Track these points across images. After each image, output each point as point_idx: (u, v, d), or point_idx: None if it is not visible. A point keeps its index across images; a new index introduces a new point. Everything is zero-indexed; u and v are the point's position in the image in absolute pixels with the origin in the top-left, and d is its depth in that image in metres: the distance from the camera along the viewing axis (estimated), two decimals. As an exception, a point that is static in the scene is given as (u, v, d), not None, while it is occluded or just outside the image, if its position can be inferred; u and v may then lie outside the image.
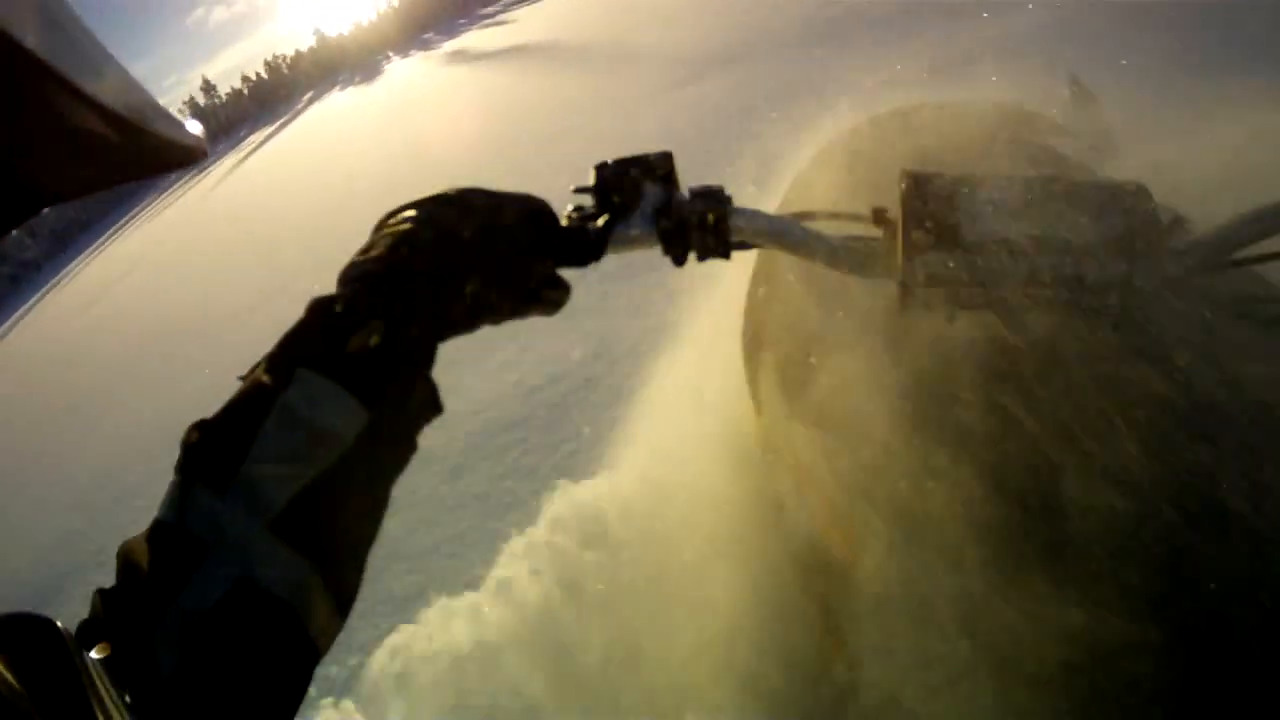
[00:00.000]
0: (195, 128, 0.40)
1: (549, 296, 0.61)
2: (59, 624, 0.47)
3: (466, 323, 0.55)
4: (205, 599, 0.45)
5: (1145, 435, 0.73)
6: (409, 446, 0.52)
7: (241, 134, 44.28)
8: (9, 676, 0.41)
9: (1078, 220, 0.66)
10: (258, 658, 0.45)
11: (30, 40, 0.28)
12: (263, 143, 31.42)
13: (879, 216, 0.71)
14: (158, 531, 0.48)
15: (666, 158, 0.68)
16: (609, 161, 0.67)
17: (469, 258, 0.54)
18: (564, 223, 0.65)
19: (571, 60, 10.51)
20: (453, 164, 8.83)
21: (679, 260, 0.68)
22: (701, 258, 0.69)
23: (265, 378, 0.49)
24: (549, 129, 8.40)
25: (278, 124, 34.88)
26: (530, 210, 0.61)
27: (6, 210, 0.36)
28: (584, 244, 0.63)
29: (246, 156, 29.64)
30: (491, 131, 9.66)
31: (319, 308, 0.51)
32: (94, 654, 0.47)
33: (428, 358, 0.52)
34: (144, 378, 7.73)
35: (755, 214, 0.70)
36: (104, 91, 0.32)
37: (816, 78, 3.92)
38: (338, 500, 0.48)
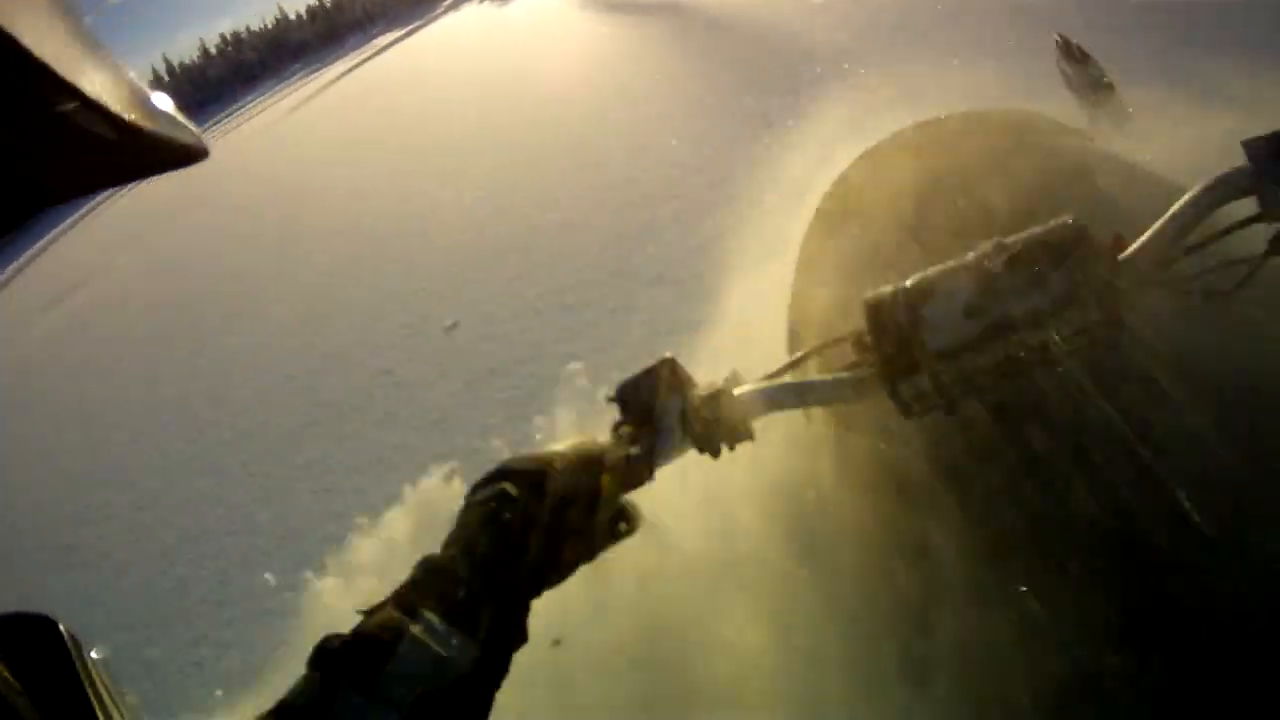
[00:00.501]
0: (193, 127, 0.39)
1: (622, 531, 0.71)
2: (60, 624, 0.47)
3: (559, 578, 0.68)
4: None
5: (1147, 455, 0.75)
6: (507, 668, 0.64)
7: (374, 31, 43.13)
8: (8, 676, 0.41)
9: (1027, 290, 0.69)
10: None
11: (29, 40, 0.28)
12: (392, 44, 30.41)
13: (859, 343, 0.76)
14: (297, 716, 0.57)
15: (669, 366, 0.74)
16: (624, 385, 0.74)
17: (550, 537, 0.66)
18: (613, 443, 0.73)
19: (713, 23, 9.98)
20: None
21: (715, 455, 0.74)
22: (731, 448, 0.74)
23: (395, 612, 0.61)
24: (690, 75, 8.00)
25: (409, 28, 34.26)
26: (587, 468, 0.70)
27: (6, 210, 0.36)
28: (637, 473, 0.71)
29: (375, 55, 28.83)
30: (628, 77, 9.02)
31: (435, 570, 0.64)
32: (94, 654, 0.47)
33: (525, 612, 0.65)
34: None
35: (759, 391, 0.76)
36: (104, 91, 0.32)
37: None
38: (452, 710, 0.59)
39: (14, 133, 0.32)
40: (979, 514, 0.85)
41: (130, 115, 0.34)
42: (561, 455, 0.70)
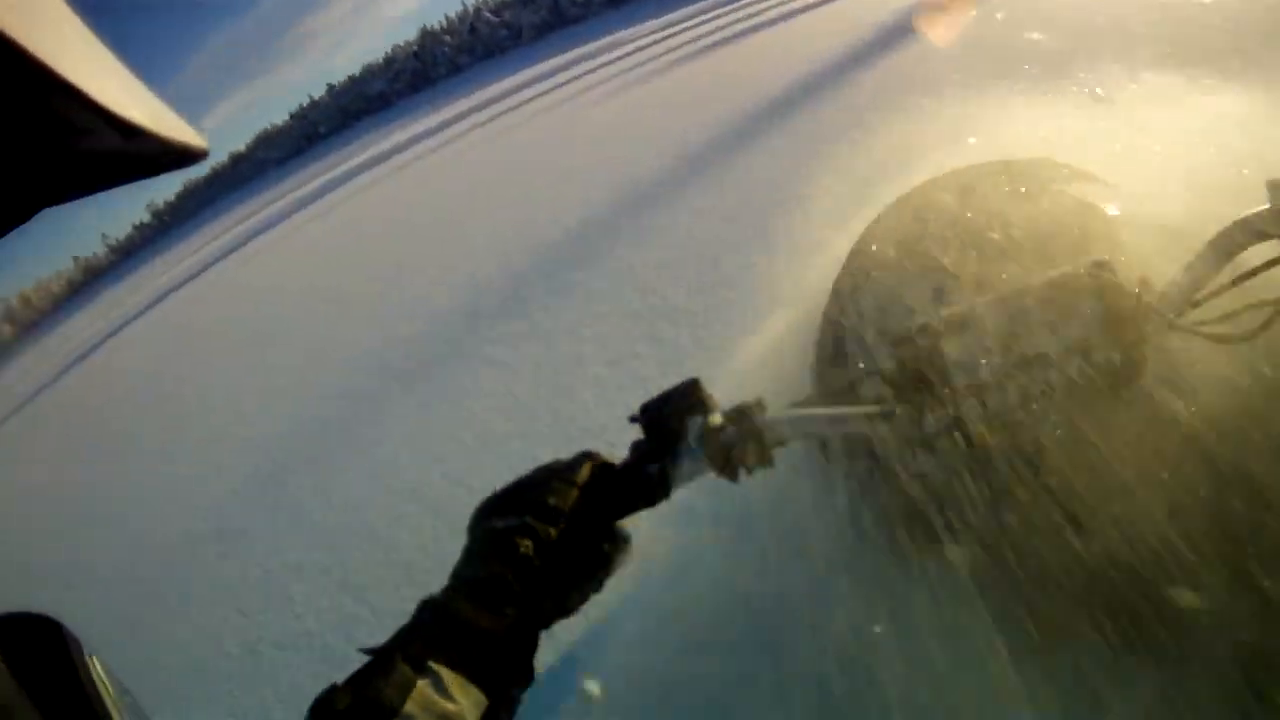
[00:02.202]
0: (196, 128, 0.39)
1: (618, 557, 0.69)
2: (62, 624, 0.47)
3: (561, 614, 0.66)
4: None
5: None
6: (514, 711, 0.63)
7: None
8: (9, 676, 0.41)
9: (1052, 329, 0.71)
10: None
11: (29, 41, 0.28)
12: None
13: (888, 377, 0.76)
14: None
15: (694, 387, 0.73)
16: (647, 405, 0.74)
17: (549, 577, 0.65)
18: (628, 456, 0.73)
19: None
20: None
21: (733, 479, 0.73)
22: (749, 473, 0.74)
23: (403, 667, 0.58)
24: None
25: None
26: (591, 487, 0.69)
27: (6, 210, 0.36)
28: (651, 488, 0.70)
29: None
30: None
31: (442, 615, 0.62)
32: (94, 655, 0.47)
33: (532, 652, 0.64)
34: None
35: (784, 419, 0.75)
36: (104, 92, 0.32)
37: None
38: None
39: (14, 133, 0.32)
40: (985, 552, 0.86)
41: (130, 115, 0.34)
42: (575, 482, 0.68)
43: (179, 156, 0.38)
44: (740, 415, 0.73)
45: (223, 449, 5.17)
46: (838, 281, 1.17)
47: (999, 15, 5.48)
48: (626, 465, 0.73)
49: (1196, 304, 0.74)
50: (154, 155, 0.37)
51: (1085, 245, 0.95)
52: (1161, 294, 0.73)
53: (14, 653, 0.42)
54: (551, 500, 0.65)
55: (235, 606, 3.26)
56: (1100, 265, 0.73)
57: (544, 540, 0.64)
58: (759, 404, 0.75)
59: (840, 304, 1.14)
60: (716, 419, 0.73)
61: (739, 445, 0.72)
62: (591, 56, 17.33)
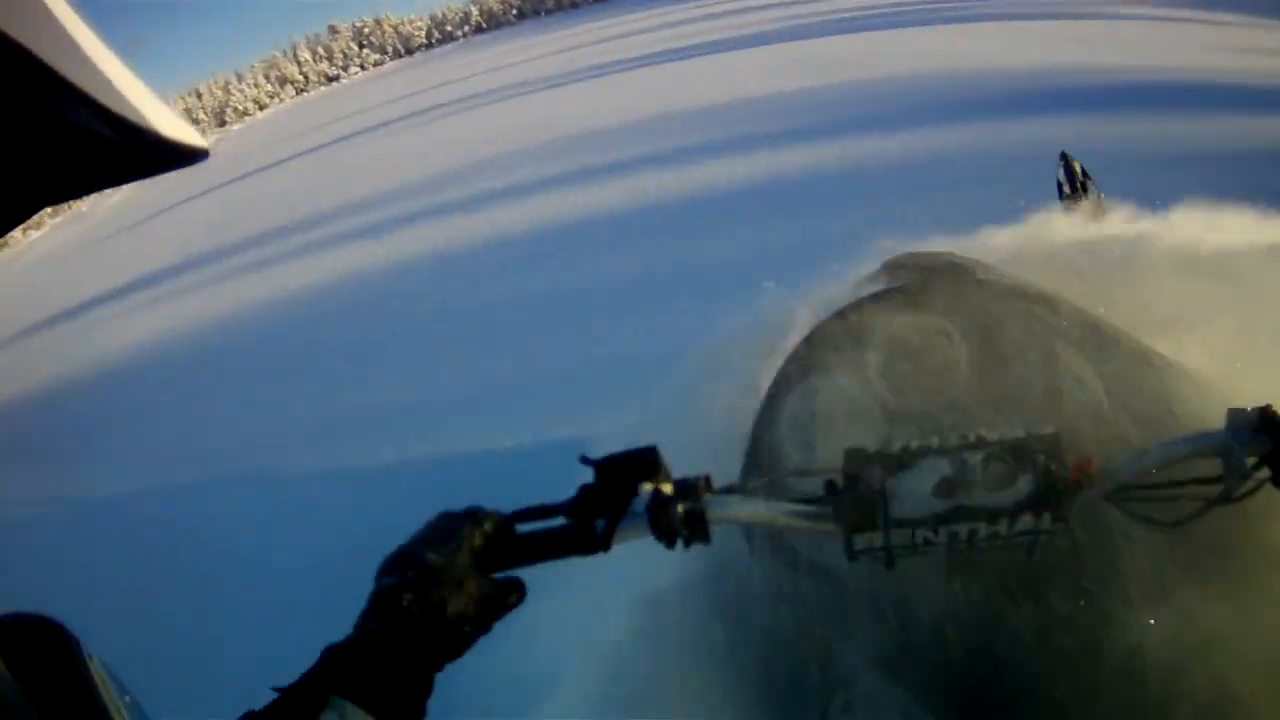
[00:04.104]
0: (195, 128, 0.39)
1: (512, 602, 0.75)
2: (62, 625, 0.47)
3: (456, 654, 0.72)
4: None
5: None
6: None
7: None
8: (10, 678, 0.41)
9: (993, 488, 0.79)
10: None
11: (30, 40, 0.28)
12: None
13: (831, 489, 0.83)
14: None
15: (652, 454, 0.80)
16: (606, 459, 0.81)
17: (450, 634, 0.72)
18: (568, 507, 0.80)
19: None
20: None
21: (669, 545, 0.80)
22: (687, 545, 0.81)
23: (308, 699, 0.63)
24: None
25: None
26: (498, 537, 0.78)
27: (7, 210, 0.36)
28: (594, 541, 0.78)
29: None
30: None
31: (341, 656, 0.68)
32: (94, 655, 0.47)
33: (429, 689, 0.70)
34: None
35: (728, 501, 0.83)
36: (104, 91, 0.32)
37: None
38: None
39: (14, 133, 0.32)
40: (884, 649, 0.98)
41: (130, 115, 0.34)
42: (463, 541, 0.75)
43: (179, 156, 0.38)
44: (688, 490, 0.80)
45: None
46: (783, 370, 1.19)
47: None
48: (573, 508, 0.79)
49: (1130, 490, 0.82)
50: (154, 155, 0.37)
51: (1039, 395, 1.05)
52: (1104, 473, 0.80)
53: (14, 654, 0.42)
54: (434, 559, 0.73)
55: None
56: (1052, 436, 0.80)
57: (429, 598, 0.71)
58: (707, 482, 0.82)
59: (783, 393, 1.18)
60: (668, 489, 0.80)
61: (682, 519, 0.79)
62: None
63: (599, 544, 0.79)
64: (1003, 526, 0.78)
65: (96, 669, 0.47)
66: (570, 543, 0.79)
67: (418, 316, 6.20)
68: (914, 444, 0.83)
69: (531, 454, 3.48)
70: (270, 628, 2.68)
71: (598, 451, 0.83)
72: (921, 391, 1.10)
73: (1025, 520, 0.78)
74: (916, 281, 1.27)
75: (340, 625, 0.71)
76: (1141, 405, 1.00)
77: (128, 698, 0.49)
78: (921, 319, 1.14)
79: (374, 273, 7.76)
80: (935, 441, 0.83)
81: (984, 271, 1.31)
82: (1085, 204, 1.86)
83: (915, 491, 0.80)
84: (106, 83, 0.33)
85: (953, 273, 1.31)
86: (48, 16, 0.30)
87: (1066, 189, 1.92)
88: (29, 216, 0.37)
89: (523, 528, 0.80)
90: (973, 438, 0.82)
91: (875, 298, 1.19)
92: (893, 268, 1.44)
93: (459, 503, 0.82)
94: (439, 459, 3.89)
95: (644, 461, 0.81)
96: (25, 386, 7.91)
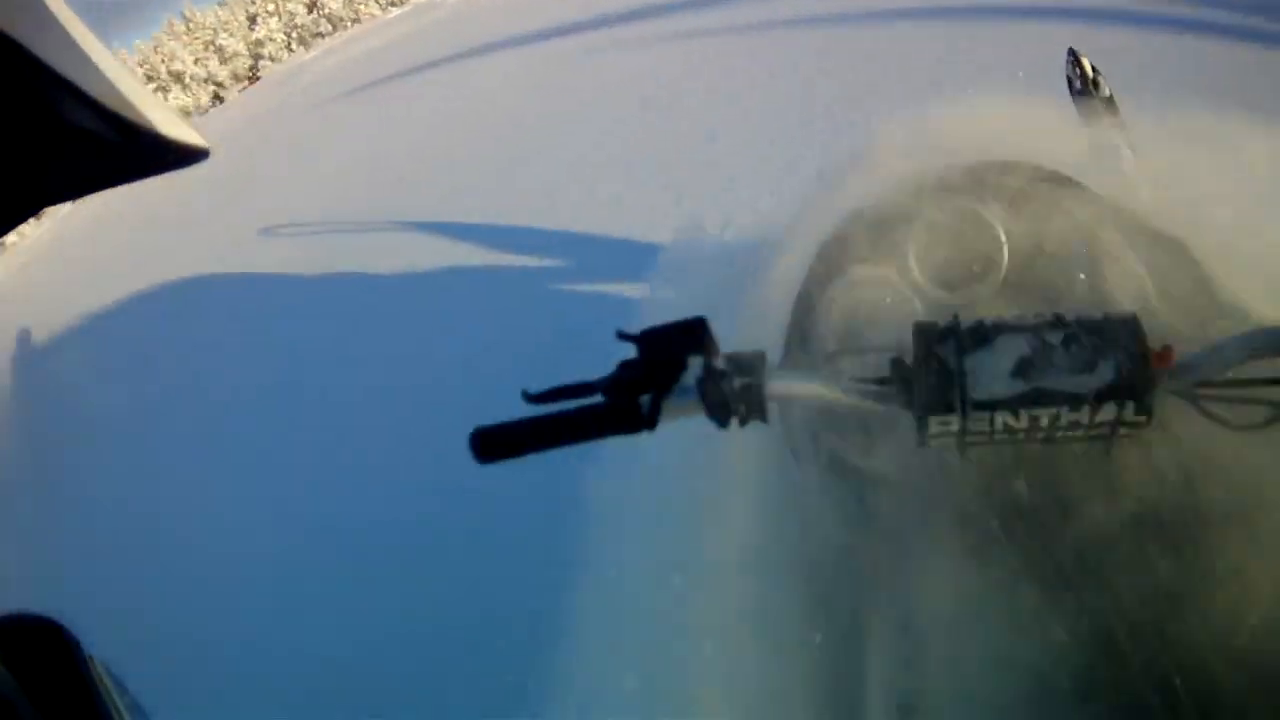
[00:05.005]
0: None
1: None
2: (62, 626, 0.47)
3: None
4: None
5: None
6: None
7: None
8: (10, 677, 0.41)
9: (1075, 370, 0.73)
10: None
11: (30, 41, 0.28)
12: None
13: (898, 367, 0.76)
14: None
15: (701, 325, 0.73)
16: (651, 330, 0.74)
17: None
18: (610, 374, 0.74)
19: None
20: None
21: (722, 425, 0.74)
22: (742, 423, 0.74)
23: None
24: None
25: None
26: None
27: (6, 210, 0.36)
28: (639, 418, 0.71)
29: None
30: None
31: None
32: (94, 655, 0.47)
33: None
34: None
35: (788, 376, 0.76)
36: (104, 91, 0.32)
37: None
38: None
39: (14, 133, 0.32)
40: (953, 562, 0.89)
41: (130, 115, 0.34)
42: None
43: (179, 156, 0.38)
44: (743, 364, 0.74)
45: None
46: (827, 246, 1.12)
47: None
48: (613, 385, 0.73)
49: (1211, 385, 0.75)
50: (154, 155, 0.37)
51: (1083, 264, 0.98)
52: (1185, 365, 0.74)
53: (15, 654, 0.42)
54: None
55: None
56: (1134, 319, 0.74)
57: None
58: (760, 357, 0.75)
59: (829, 267, 1.11)
60: (720, 363, 0.73)
61: (738, 393, 0.73)
62: None
63: (644, 422, 0.71)
64: (1084, 415, 0.72)
65: (96, 669, 0.47)
66: (612, 421, 0.71)
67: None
68: (989, 319, 0.76)
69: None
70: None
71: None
72: (964, 279, 1.02)
73: (1108, 409, 0.72)
74: (948, 166, 1.18)
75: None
76: (1192, 299, 0.92)
77: (127, 697, 0.49)
78: (958, 202, 1.08)
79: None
80: (1008, 317, 0.76)
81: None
82: (1096, 101, 1.79)
83: (993, 371, 0.73)
84: (106, 83, 0.33)
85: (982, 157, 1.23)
86: (47, 16, 0.30)
87: (1078, 85, 1.85)
88: (29, 216, 0.38)
89: (555, 408, 0.73)
90: (1050, 316, 0.75)
91: (907, 183, 1.12)
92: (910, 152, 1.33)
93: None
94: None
95: (692, 333, 0.73)
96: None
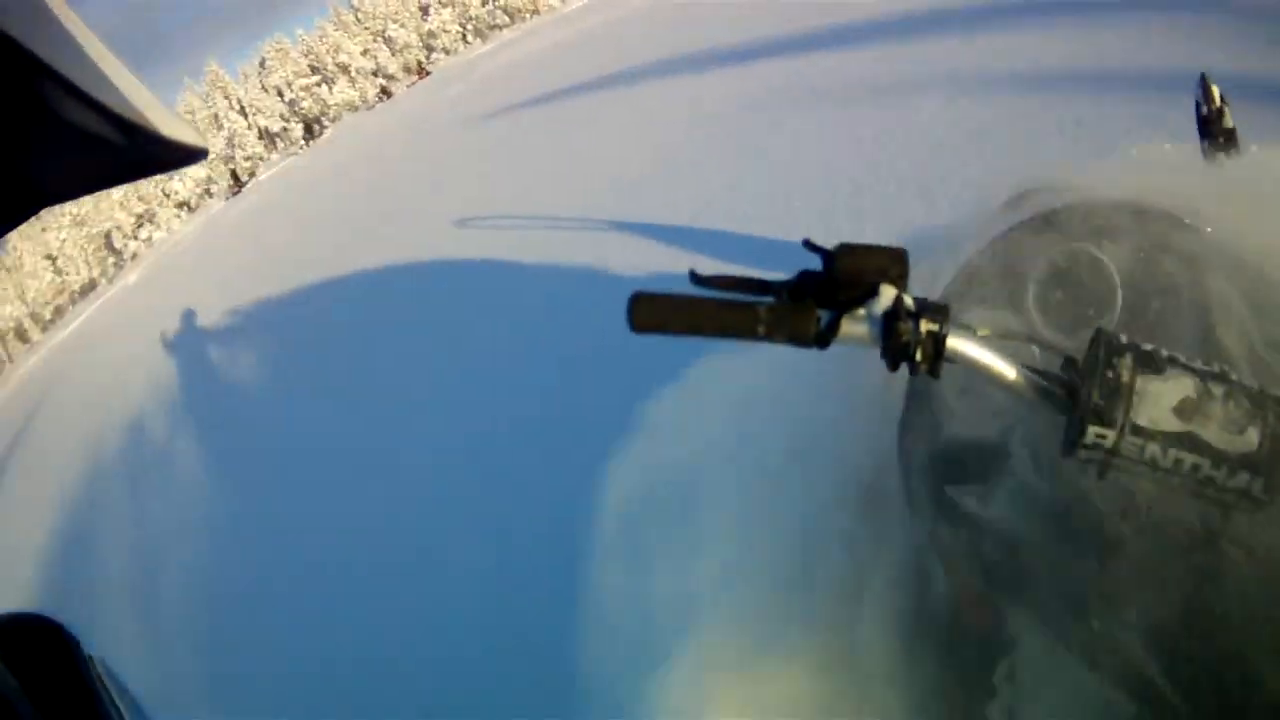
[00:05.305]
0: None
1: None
2: (62, 625, 0.47)
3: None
4: None
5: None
6: None
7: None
8: (10, 676, 0.41)
9: (1226, 427, 0.72)
10: None
11: (30, 40, 0.28)
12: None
13: (1069, 366, 0.75)
14: None
15: (902, 257, 0.69)
16: (847, 245, 0.69)
17: None
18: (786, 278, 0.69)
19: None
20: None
21: (892, 367, 0.70)
22: (913, 372, 0.71)
23: None
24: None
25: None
26: None
27: (6, 210, 0.36)
28: (812, 328, 0.67)
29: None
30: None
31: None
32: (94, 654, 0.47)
33: None
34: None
35: (969, 338, 0.72)
36: (104, 91, 0.32)
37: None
38: None
39: (14, 133, 0.32)
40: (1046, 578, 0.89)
41: (130, 115, 0.34)
42: None
43: (179, 156, 0.38)
44: (934, 311, 0.70)
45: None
46: (948, 290, 1.11)
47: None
48: (794, 289, 0.69)
49: None
50: (154, 155, 0.37)
51: (1224, 330, 0.96)
52: None
53: (15, 654, 0.42)
54: None
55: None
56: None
57: None
58: (947, 309, 0.71)
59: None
60: (909, 301, 0.70)
61: (921, 338, 0.69)
62: None
63: (818, 338, 0.67)
64: (1222, 475, 0.71)
65: (96, 669, 0.47)
66: (783, 325, 0.67)
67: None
68: (1162, 350, 0.74)
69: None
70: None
71: None
72: (1078, 322, 1.00)
73: (1241, 477, 0.71)
74: (1060, 207, 1.15)
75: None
76: None
77: (127, 697, 0.49)
78: (1072, 246, 1.06)
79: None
80: (1182, 355, 0.75)
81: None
82: (1217, 132, 1.75)
83: (1159, 402, 0.72)
84: (106, 83, 0.33)
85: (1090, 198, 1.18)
86: (48, 16, 0.30)
87: (1205, 111, 1.81)
88: (29, 216, 0.37)
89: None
90: (1216, 367, 0.74)
91: (1023, 226, 1.09)
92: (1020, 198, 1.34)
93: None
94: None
95: (891, 260, 0.69)
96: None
